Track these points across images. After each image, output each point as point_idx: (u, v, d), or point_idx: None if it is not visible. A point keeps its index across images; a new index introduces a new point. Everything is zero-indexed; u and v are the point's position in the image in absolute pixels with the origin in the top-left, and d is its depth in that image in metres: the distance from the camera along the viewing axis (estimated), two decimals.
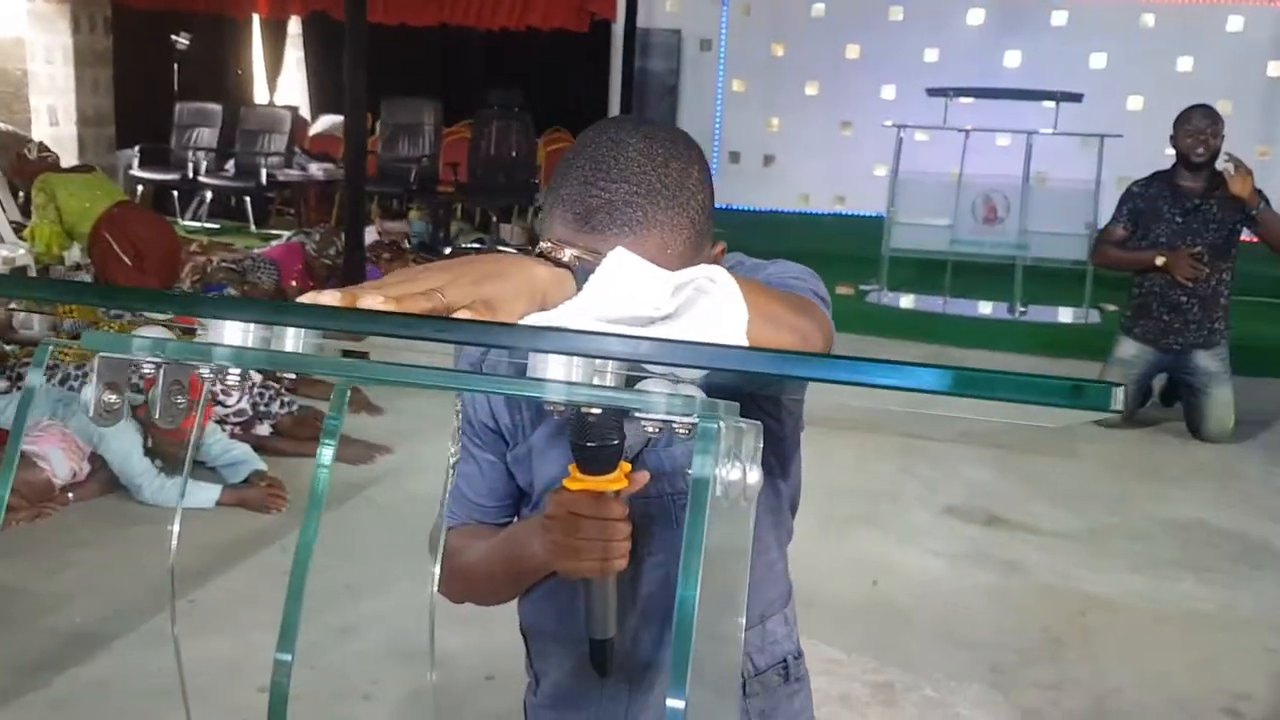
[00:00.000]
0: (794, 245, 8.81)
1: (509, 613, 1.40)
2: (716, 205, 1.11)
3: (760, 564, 1.36)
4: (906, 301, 7.13)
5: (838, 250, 8.11)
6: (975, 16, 9.96)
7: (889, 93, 10.07)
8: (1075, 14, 9.71)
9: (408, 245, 7.70)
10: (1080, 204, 6.55)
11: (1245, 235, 5.03)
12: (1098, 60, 9.60)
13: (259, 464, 4.09)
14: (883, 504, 4.27)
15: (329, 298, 0.79)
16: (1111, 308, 6.95)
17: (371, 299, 0.73)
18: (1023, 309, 6.92)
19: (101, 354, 0.80)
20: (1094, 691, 2.99)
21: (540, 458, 1.24)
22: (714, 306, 0.84)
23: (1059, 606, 3.45)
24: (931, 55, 9.94)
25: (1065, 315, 6.92)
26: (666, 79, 10.15)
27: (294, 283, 6.00)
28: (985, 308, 7.02)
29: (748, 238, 10.21)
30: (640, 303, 0.84)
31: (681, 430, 0.65)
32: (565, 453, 1.16)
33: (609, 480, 1.05)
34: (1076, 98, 6.68)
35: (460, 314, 0.73)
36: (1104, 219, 6.68)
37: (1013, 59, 9.82)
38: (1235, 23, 9.50)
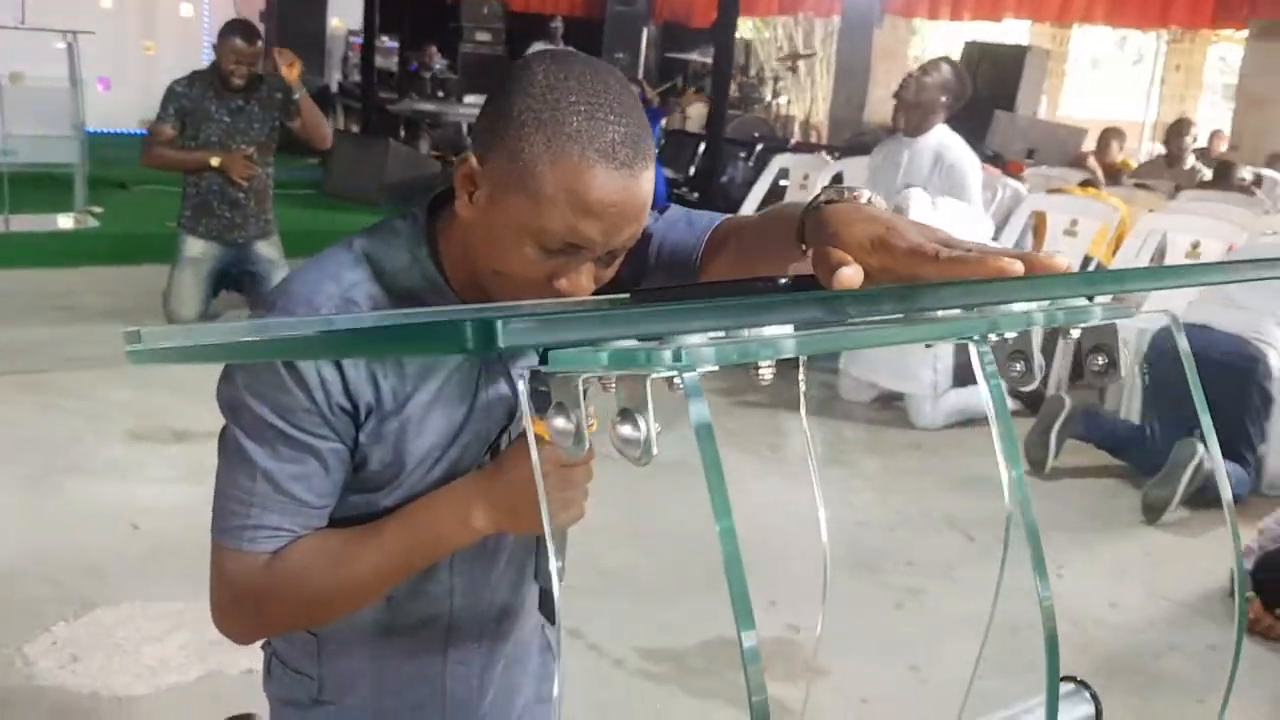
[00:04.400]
0: None
1: None
2: None
3: None
4: None
5: None
6: None
7: None
8: None
9: None
10: (63, 104, 6.27)
11: None
12: None
13: None
14: (71, 447, 3.92)
15: (848, 277, 0.79)
16: (99, 209, 6.88)
17: (935, 264, 0.76)
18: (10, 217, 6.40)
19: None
20: None
21: (416, 429, 1.13)
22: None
23: None
24: None
25: (62, 221, 6.62)
26: None
27: None
28: None
29: None
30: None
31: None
32: (443, 417, 1.13)
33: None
34: None
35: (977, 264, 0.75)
36: (90, 119, 6.54)
37: None
38: None
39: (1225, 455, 4.23)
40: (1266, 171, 8.04)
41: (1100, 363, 0.87)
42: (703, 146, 10.01)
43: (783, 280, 0.84)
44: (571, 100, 0.97)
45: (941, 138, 4.77)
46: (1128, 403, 5.04)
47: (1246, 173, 7.84)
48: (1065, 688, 0.87)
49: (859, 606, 3.25)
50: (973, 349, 0.73)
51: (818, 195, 0.92)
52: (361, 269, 1.10)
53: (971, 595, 3.45)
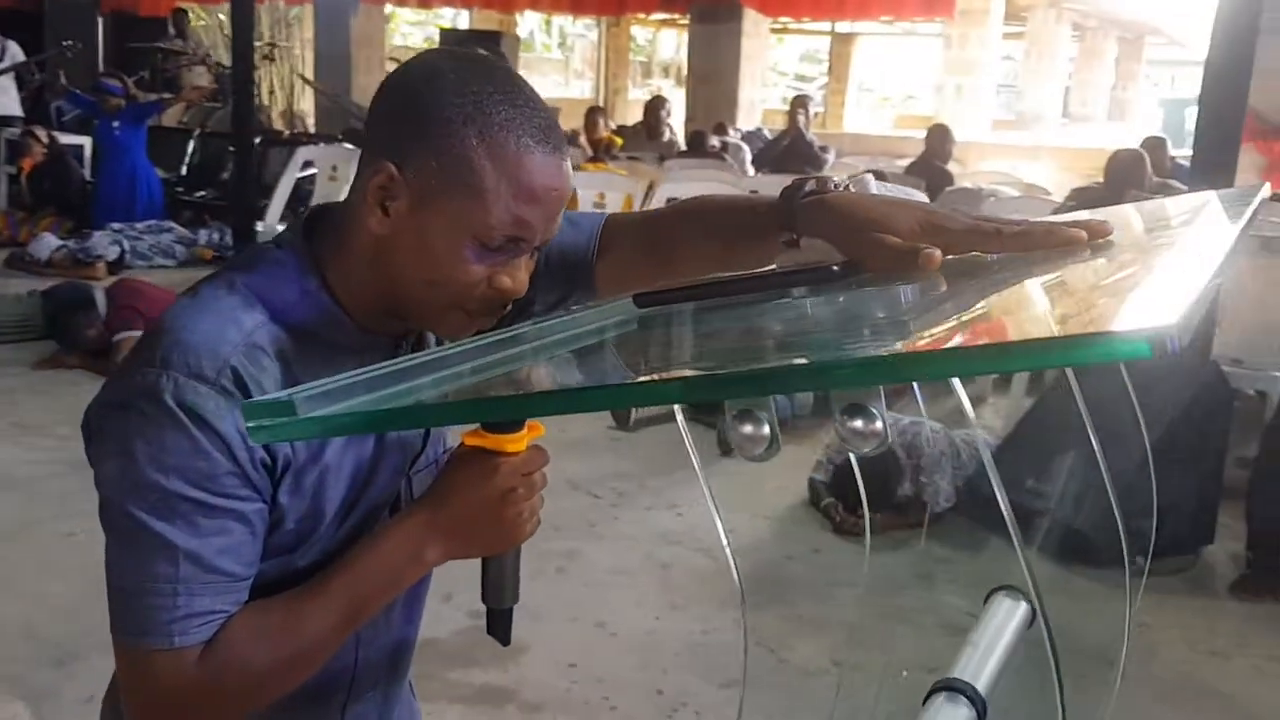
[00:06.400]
0: None
1: None
2: None
3: None
4: None
5: None
6: None
7: None
8: None
9: None
10: None
11: None
12: None
13: None
14: None
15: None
16: None
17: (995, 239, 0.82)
18: None
19: None
20: None
21: (335, 477, 1.05)
22: None
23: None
24: None
25: None
26: None
27: None
28: None
29: None
30: None
31: None
32: (354, 464, 1.07)
33: (533, 426, 0.99)
34: None
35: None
36: None
37: None
38: None
39: None
40: (730, 139, 9.14)
41: None
42: (192, 143, 9.40)
43: (835, 267, 0.89)
44: (490, 91, 0.95)
45: None
46: None
47: (715, 141, 8.88)
48: (1001, 593, 0.93)
49: (529, 577, 3.33)
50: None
51: (801, 186, 0.98)
52: (256, 310, 0.99)
53: (618, 547, 3.69)
